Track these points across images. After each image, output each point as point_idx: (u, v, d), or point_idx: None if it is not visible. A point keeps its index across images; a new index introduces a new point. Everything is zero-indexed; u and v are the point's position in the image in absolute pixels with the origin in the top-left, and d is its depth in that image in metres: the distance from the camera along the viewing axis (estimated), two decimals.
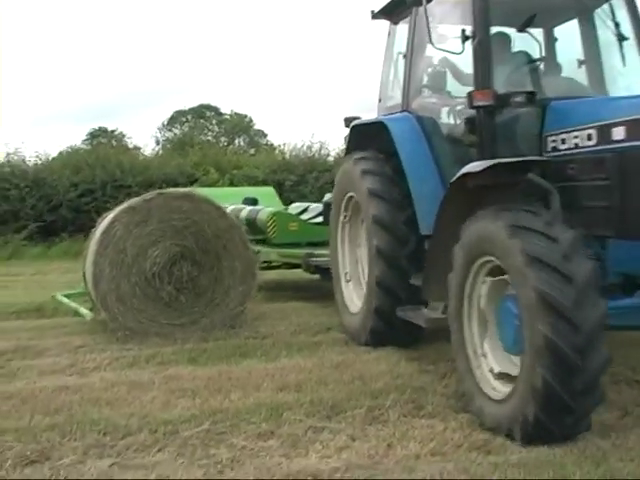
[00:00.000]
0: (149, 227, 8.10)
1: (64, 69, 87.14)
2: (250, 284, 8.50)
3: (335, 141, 34.71)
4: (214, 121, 54.97)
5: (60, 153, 23.62)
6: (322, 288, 10.85)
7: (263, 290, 9.95)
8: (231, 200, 11.88)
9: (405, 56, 7.21)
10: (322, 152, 23.40)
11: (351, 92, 79.15)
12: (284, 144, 24.37)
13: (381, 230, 6.94)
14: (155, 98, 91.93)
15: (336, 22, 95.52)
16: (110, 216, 8.47)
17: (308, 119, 75.28)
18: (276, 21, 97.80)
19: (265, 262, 10.83)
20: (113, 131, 47.86)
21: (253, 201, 12.14)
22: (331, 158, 23.21)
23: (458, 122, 6.72)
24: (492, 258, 4.85)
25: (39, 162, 21.49)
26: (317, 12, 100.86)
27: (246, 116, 53.67)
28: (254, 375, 6.26)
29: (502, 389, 4.86)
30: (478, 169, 5.08)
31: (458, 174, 5.34)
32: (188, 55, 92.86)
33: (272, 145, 34.43)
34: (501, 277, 4.83)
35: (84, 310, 8.87)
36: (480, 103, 5.82)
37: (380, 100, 7.86)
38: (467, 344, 5.17)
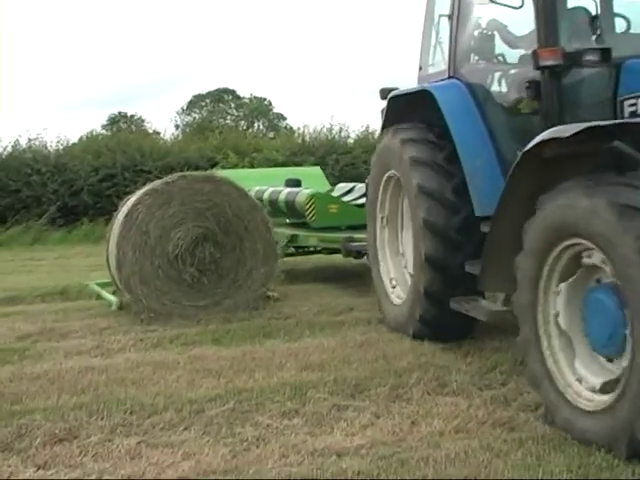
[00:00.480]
0: (172, 209, 8.14)
1: (85, 56, 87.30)
2: (272, 265, 8.53)
3: (355, 123, 34.72)
4: (232, 105, 54.99)
5: (81, 138, 23.71)
6: (343, 269, 10.89)
7: (284, 272, 9.96)
8: (273, 182, 11.51)
9: (450, 17, 6.63)
10: (342, 134, 23.35)
11: (370, 73, 78.79)
12: (304, 127, 24.33)
13: (428, 199, 6.23)
14: (174, 83, 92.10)
15: (356, 1, 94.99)
16: (133, 199, 8.52)
17: (328, 101, 75.10)
18: (294, 4, 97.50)
19: (304, 247, 10.66)
20: (133, 116, 48.06)
21: (296, 182, 11.41)
22: (351, 140, 23.14)
23: (512, 88, 6.12)
24: (582, 241, 4.11)
25: (60, 147, 21.60)
26: None
27: (265, 99, 53.69)
28: (278, 355, 6.29)
29: (597, 398, 4.16)
30: (566, 134, 4.24)
31: (535, 141, 4.52)
32: (206, 39, 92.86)
33: (291, 128, 34.40)
34: (593, 263, 4.13)
35: (113, 299, 8.81)
36: (547, 63, 5.16)
37: (420, 68, 7.22)
38: (542, 343, 4.46)
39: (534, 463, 3.90)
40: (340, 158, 20.78)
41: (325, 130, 23.19)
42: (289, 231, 10.52)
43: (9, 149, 20.82)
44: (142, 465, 4.09)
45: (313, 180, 12.14)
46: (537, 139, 4.52)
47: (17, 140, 21.03)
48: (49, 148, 21.37)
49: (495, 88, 6.33)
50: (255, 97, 53.88)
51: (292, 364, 5.98)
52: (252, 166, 19.85)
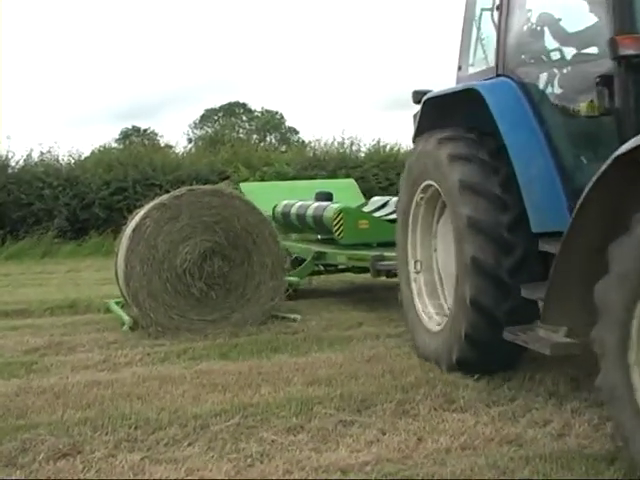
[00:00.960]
0: (180, 223, 8.14)
1: (100, 70, 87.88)
2: (280, 279, 8.51)
3: (367, 137, 34.76)
4: (244, 118, 55.18)
5: (93, 152, 23.84)
6: (352, 283, 10.85)
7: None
8: (303, 195, 10.98)
9: (498, 9, 6.03)
10: (353, 148, 23.40)
11: (382, 88, 79.07)
12: (315, 140, 24.38)
13: (478, 235, 5.46)
14: (188, 97, 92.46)
15: (368, 16, 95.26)
16: (141, 213, 8.53)
17: (339, 115, 75.16)
18: (304, 16, 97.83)
19: (332, 265, 10.23)
20: (145, 130, 48.28)
21: (326, 196, 10.74)
22: (362, 154, 23.20)
23: (573, 87, 5.48)
24: None
25: (72, 161, 21.70)
26: (347, 7, 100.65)
27: (277, 112, 53.85)
28: (285, 370, 6.26)
29: None
30: None
31: (630, 144, 3.73)
32: (220, 53, 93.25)
33: (303, 142, 34.48)
34: None
35: (127, 319, 8.57)
36: (628, 51, 4.50)
37: (460, 68, 6.61)
38: (636, 392, 3.57)
39: None
40: (351, 172, 20.79)
41: (336, 144, 23.27)
42: (316, 248, 10.11)
43: (21, 163, 20.97)
44: None
45: (346, 193, 11.64)
46: (634, 142, 3.73)
47: (29, 154, 21.19)
48: (61, 162, 21.51)
49: (551, 87, 5.66)
50: (267, 110, 54.07)
51: (299, 379, 5.94)
52: (262, 179, 19.88)
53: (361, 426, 4.80)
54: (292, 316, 8.49)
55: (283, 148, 36.06)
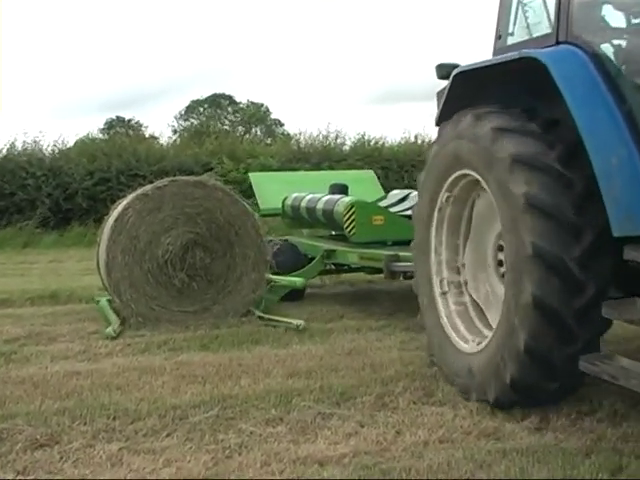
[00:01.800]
0: (162, 214, 8.13)
1: (83, 60, 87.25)
2: (262, 271, 8.49)
3: (352, 130, 34.77)
4: (230, 110, 55.03)
5: (77, 142, 23.73)
6: (335, 276, 10.80)
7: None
8: (317, 187, 10.13)
9: None
10: (338, 141, 23.42)
11: (368, 81, 78.96)
12: (300, 133, 24.36)
13: (540, 219, 4.43)
14: (174, 87, 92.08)
15: (353, 10, 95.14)
16: (123, 203, 8.50)
17: (325, 108, 75.16)
18: (291, 8, 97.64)
19: (343, 265, 9.56)
20: (130, 120, 48.06)
21: (342, 188, 9.90)
22: (347, 147, 23.23)
23: None
24: None
25: (56, 151, 21.59)
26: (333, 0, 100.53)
27: (262, 105, 53.72)
28: (265, 361, 6.27)
29: None
30: None
31: None
32: (204, 45, 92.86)
33: (288, 134, 34.44)
34: None
35: (113, 322, 7.98)
36: None
37: (499, 37, 5.60)
38: None
39: (517, 475, 3.86)
40: (334, 165, 20.79)
41: (321, 137, 23.25)
42: (326, 245, 9.43)
43: (4, 152, 20.83)
44: (122, 472, 4.04)
45: (363, 186, 10.68)
46: None
47: (13, 143, 21.06)
48: (44, 151, 21.38)
49: (633, 59, 4.67)
50: (252, 103, 53.93)
51: (279, 371, 5.95)
52: (246, 172, 19.86)
53: (340, 419, 4.81)
54: (295, 322, 7.69)
55: (268, 140, 36.00)
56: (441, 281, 5.65)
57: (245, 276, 8.40)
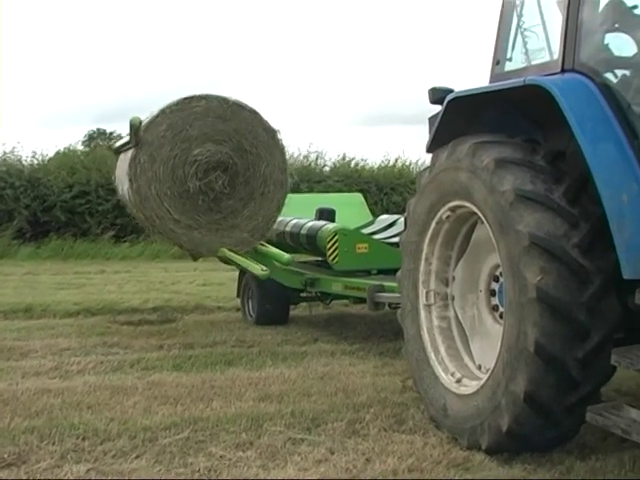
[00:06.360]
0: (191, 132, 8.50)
1: (67, 71, 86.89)
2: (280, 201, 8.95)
3: (333, 151, 34.83)
4: None
5: (57, 153, 23.56)
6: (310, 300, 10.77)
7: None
8: (303, 210, 9.68)
9: None
10: (318, 162, 23.42)
11: (353, 102, 79.15)
12: None
13: (545, 260, 4.16)
14: (156, 100, 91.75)
15: (340, 29, 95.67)
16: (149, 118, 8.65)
17: (308, 127, 75.18)
18: (280, 29, 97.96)
19: (325, 294, 9.14)
20: (111, 133, 47.86)
21: (329, 213, 9.41)
22: (327, 169, 23.24)
23: None
24: None
25: (35, 162, 21.45)
26: (318, 21, 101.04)
27: None
28: (237, 384, 6.25)
29: None
30: None
31: None
32: (189, 60, 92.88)
33: None
34: None
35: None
36: None
37: (497, 62, 5.34)
38: None
39: None
40: (314, 186, 20.80)
41: (302, 157, 23.26)
42: (309, 273, 9.04)
43: None
44: None
45: (351, 210, 10.30)
46: None
47: None
48: (24, 162, 21.23)
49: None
50: None
51: (251, 394, 5.94)
52: None
53: (310, 444, 4.80)
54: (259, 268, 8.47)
55: None
56: (427, 293, 5.38)
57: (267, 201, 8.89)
